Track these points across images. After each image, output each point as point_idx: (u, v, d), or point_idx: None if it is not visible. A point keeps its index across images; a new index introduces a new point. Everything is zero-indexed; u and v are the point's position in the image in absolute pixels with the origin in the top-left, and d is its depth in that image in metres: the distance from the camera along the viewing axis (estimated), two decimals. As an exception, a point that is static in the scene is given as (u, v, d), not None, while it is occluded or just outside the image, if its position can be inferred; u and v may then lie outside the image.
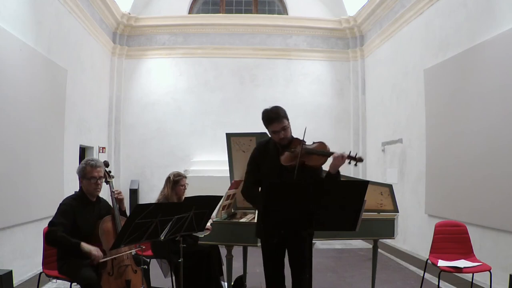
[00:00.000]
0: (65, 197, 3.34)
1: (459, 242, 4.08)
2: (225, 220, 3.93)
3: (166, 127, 9.36)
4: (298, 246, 2.83)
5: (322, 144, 2.86)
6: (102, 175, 3.31)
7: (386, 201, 4.32)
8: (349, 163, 2.76)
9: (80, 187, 3.33)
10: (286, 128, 2.84)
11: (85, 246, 3.04)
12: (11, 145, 4.78)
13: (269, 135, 2.97)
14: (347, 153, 2.75)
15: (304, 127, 2.93)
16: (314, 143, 2.89)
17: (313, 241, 2.99)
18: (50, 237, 3.06)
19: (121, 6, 8.76)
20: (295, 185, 2.44)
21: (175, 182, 4.16)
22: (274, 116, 2.82)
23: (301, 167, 2.73)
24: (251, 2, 10.13)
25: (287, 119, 2.86)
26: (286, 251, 2.97)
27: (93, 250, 3.02)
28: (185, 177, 4.27)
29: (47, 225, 3.16)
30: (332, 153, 2.77)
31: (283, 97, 9.37)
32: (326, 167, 2.86)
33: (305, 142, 2.84)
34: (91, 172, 3.24)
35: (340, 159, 2.72)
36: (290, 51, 9.56)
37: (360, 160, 2.74)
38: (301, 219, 2.38)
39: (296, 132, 2.96)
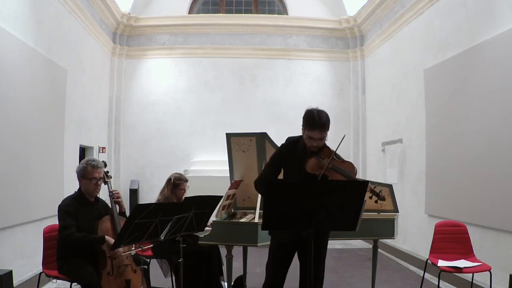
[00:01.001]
0: (63, 198, 3.34)
1: (459, 242, 4.08)
2: (225, 220, 3.93)
3: (166, 127, 9.36)
4: (312, 247, 2.78)
5: (350, 165, 2.78)
6: (102, 176, 3.31)
7: (386, 201, 4.31)
8: (370, 197, 2.70)
9: (79, 187, 3.33)
10: (323, 139, 2.75)
11: (110, 240, 3.05)
12: (11, 145, 4.78)
13: (301, 135, 2.83)
14: (371, 186, 2.70)
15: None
16: (343, 160, 2.81)
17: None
18: (70, 240, 3.05)
19: (121, 6, 8.76)
20: (295, 185, 2.44)
21: (175, 185, 4.15)
22: (320, 125, 2.67)
23: (323, 180, 2.66)
24: (251, 2, 10.13)
25: (328, 130, 2.74)
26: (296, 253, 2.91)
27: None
28: (186, 180, 4.25)
29: (58, 232, 3.16)
30: (357, 180, 2.70)
31: (283, 97, 9.38)
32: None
33: (335, 155, 2.74)
34: (92, 172, 3.24)
35: None
36: (290, 51, 9.56)
37: (382, 199, 2.69)
38: (301, 219, 2.38)
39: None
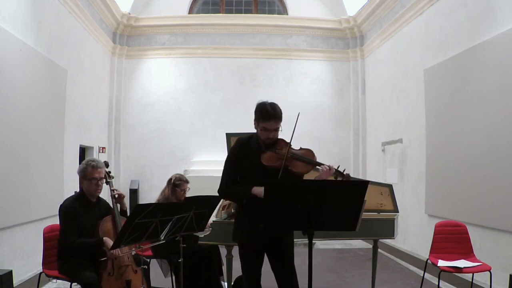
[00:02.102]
0: (65, 199, 3.34)
1: (459, 242, 4.08)
2: (225, 220, 3.93)
3: (166, 127, 9.36)
4: (281, 249, 2.80)
5: (310, 152, 2.77)
6: (103, 176, 3.30)
7: (386, 201, 4.31)
8: (336, 177, 2.72)
9: (81, 187, 3.33)
10: (278, 129, 2.75)
11: (108, 241, 3.05)
12: (11, 145, 4.78)
13: (257, 131, 2.81)
14: (335, 167, 2.71)
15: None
16: (301, 148, 2.80)
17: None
18: (71, 247, 3.07)
19: (121, 6, 8.76)
20: (294, 186, 2.43)
21: (176, 185, 4.16)
22: (273, 115, 2.68)
23: (284, 171, 2.64)
24: (251, 2, 10.13)
25: (281, 120, 2.76)
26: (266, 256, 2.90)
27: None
28: (187, 181, 4.25)
29: (59, 234, 3.17)
30: (319, 163, 2.70)
31: (283, 97, 9.33)
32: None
33: (291, 144, 2.73)
34: (92, 173, 3.24)
35: (327, 173, 2.67)
36: (290, 51, 9.56)
37: (348, 177, 2.68)
38: (301, 220, 2.38)
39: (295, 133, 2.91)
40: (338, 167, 2.74)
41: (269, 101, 2.76)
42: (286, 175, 2.67)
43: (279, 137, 2.80)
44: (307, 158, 2.72)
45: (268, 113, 2.69)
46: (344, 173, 2.71)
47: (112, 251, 2.99)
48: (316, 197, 2.32)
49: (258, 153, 2.74)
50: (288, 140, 2.75)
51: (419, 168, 6.67)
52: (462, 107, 5.45)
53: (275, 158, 2.69)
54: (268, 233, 2.73)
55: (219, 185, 2.90)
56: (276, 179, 2.60)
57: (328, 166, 2.69)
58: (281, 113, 2.74)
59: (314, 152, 2.78)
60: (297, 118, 2.70)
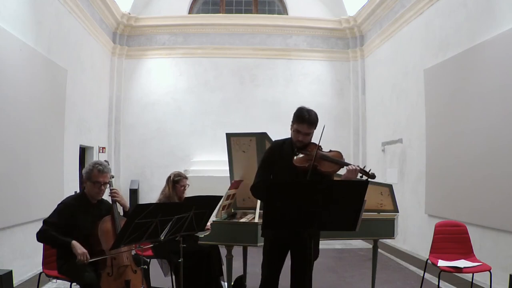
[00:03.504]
0: (66, 196, 3.34)
1: (459, 242, 4.08)
2: (225, 220, 3.93)
3: (166, 127, 9.36)
4: (304, 247, 2.83)
5: (338, 153, 2.92)
6: (108, 181, 3.30)
7: (386, 201, 4.32)
8: (361, 177, 2.81)
9: (83, 187, 3.33)
10: (309, 135, 2.90)
11: (76, 246, 3.01)
12: (11, 145, 4.78)
13: (290, 133, 2.97)
14: (361, 166, 2.83)
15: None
16: (331, 150, 2.95)
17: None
18: (40, 235, 3.10)
19: (121, 6, 8.76)
20: (295, 185, 2.43)
21: (175, 182, 4.17)
22: (308, 120, 2.85)
23: (313, 171, 2.75)
24: (251, 2, 10.13)
25: (315, 129, 2.91)
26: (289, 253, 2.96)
27: (80, 254, 2.96)
28: (186, 177, 4.26)
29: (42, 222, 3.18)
30: (346, 163, 2.83)
31: (283, 97, 9.38)
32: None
33: (321, 147, 2.87)
34: (97, 176, 3.24)
35: (354, 172, 2.78)
36: (290, 51, 9.56)
37: (373, 176, 2.78)
38: (301, 219, 2.38)
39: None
40: (364, 167, 2.85)
41: (309, 108, 2.94)
42: (315, 175, 2.77)
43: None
44: (335, 158, 2.86)
45: (303, 117, 2.87)
46: (370, 172, 2.80)
47: (80, 258, 2.97)
48: (316, 196, 2.33)
49: (291, 156, 2.87)
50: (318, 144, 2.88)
51: (419, 168, 6.67)
52: (462, 107, 5.45)
53: (305, 159, 2.84)
54: (296, 232, 2.78)
55: (252, 183, 3.01)
56: (305, 179, 2.70)
57: (355, 167, 2.80)
58: (316, 120, 2.91)
59: (342, 154, 2.93)
60: (323, 130, 2.80)
